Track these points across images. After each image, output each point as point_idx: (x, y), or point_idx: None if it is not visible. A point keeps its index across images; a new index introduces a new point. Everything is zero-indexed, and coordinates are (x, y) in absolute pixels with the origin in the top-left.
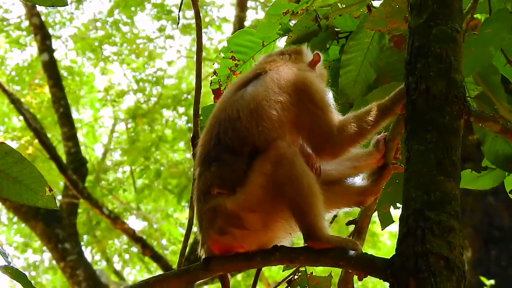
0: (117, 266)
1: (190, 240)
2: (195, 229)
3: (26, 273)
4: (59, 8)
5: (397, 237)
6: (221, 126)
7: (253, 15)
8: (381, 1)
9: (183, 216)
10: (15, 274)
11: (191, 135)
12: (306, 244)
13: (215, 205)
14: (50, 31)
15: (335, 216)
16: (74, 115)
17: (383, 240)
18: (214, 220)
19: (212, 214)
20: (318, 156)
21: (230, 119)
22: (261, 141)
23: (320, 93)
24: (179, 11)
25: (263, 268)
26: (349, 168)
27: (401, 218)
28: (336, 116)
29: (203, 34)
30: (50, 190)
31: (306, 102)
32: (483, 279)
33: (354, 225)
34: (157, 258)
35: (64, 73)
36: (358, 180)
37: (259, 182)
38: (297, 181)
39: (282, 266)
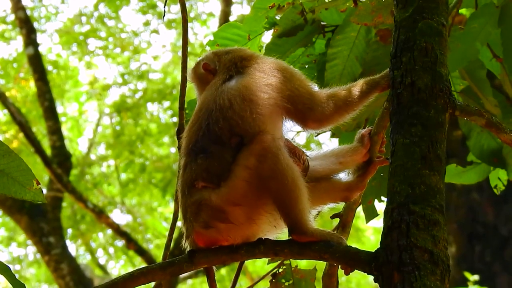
0: (101, 260)
1: (175, 235)
2: (179, 223)
3: (11, 266)
4: (44, 2)
5: (382, 230)
6: (212, 116)
7: (238, 10)
8: None
9: (168, 210)
10: None
11: (177, 128)
12: (290, 238)
13: (200, 199)
14: (36, 25)
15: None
16: (59, 109)
17: (367, 236)
18: (199, 214)
19: (197, 207)
20: (305, 126)
21: (221, 108)
22: (251, 129)
23: (298, 73)
24: (164, 5)
25: (247, 263)
26: (334, 164)
27: (385, 212)
28: (320, 90)
29: (189, 29)
30: (38, 183)
31: (289, 77)
32: (467, 274)
33: (338, 219)
34: (142, 252)
35: (49, 67)
36: (343, 176)
37: (243, 176)
38: (282, 175)
39: (267, 260)
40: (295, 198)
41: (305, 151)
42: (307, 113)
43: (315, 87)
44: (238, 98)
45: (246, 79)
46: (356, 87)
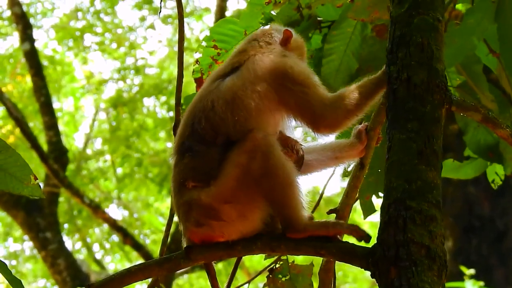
0: (98, 255)
1: (172, 230)
2: (176, 218)
3: (7, 262)
4: None
5: (379, 226)
6: (196, 116)
7: (234, 5)
8: None
9: (164, 205)
10: None
11: (173, 124)
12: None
13: (190, 199)
14: (32, 20)
15: (316, 205)
16: (56, 104)
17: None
18: (190, 213)
19: (187, 207)
20: (317, 131)
21: (204, 109)
22: (236, 131)
23: (302, 74)
24: (160, 1)
25: (244, 258)
26: (330, 158)
27: (382, 207)
28: (326, 92)
29: (185, 24)
30: (35, 178)
31: (289, 86)
32: (463, 268)
33: (335, 214)
34: (138, 247)
35: (45, 62)
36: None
37: (234, 173)
38: (273, 172)
39: (264, 256)
40: (288, 196)
41: (299, 141)
42: (316, 120)
43: (322, 88)
44: (221, 101)
45: (235, 80)
46: (363, 88)
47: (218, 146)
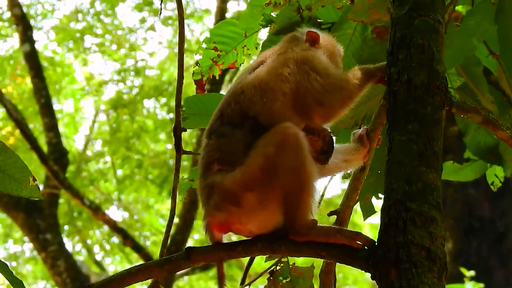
0: (98, 257)
1: (172, 231)
2: (176, 220)
3: (7, 263)
4: None
5: (379, 227)
6: (225, 101)
7: (235, 7)
8: None
9: (164, 207)
10: None
11: (173, 125)
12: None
13: (213, 182)
14: (32, 22)
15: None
16: (56, 106)
17: (365, 232)
18: (211, 196)
19: (210, 190)
20: (311, 120)
21: (234, 95)
22: (265, 112)
23: (322, 64)
24: (161, 3)
25: (245, 260)
26: (341, 161)
27: (382, 209)
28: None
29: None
30: (34, 180)
31: (308, 70)
32: (463, 270)
33: (336, 216)
34: (138, 249)
35: (45, 64)
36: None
37: (259, 163)
38: (296, 171)
39: (264, 257)
40: (302, 198)
41: (327, 128)
42: (315, 108)
43: (337, 79)
44: (250, 86)
45: (262, 69)
46: (355, 79)
47: (245, 128)
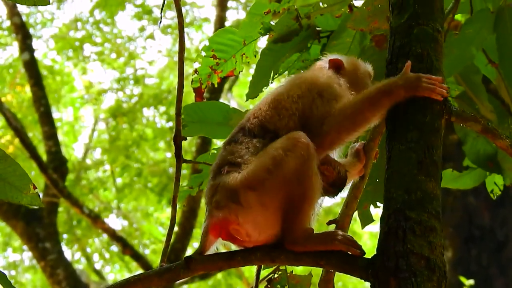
0: (97, 266)
1: (172, 240)
2: (176, 228)
3: (6, 272)
4: (40, 8)
5: (378, 236)
6: (246, 118)
7: (234, 16)
8: (363, 1)
9: (164, 215)
10: None
11: (173, 134)
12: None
13: (219, 182)
14: (31, 31)
15: None
16: (55, 114)
17: (364, 240)
18: (214, 196)
19: (214, 190)
20: (316, 142)
21: (254, 111)
22: (284, 127)
23: (332, 91)
24: (161, 11)
25: (244, 268)
26: None
27: (382, 218)
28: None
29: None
30: (35, 187)
31: (313, 95)
32: (462, 279)
33: (335, 225)
34: (138, 257)
35: (44, 72)
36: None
37: (266, 164)
38: (300, 180)
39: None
40: (302, 208)
41: (343, 164)
42: (316, 131)
43: (341, 109)
44: (265, 103)
45: (278, 89)
46: (368, 104)
47: (266, 139)
